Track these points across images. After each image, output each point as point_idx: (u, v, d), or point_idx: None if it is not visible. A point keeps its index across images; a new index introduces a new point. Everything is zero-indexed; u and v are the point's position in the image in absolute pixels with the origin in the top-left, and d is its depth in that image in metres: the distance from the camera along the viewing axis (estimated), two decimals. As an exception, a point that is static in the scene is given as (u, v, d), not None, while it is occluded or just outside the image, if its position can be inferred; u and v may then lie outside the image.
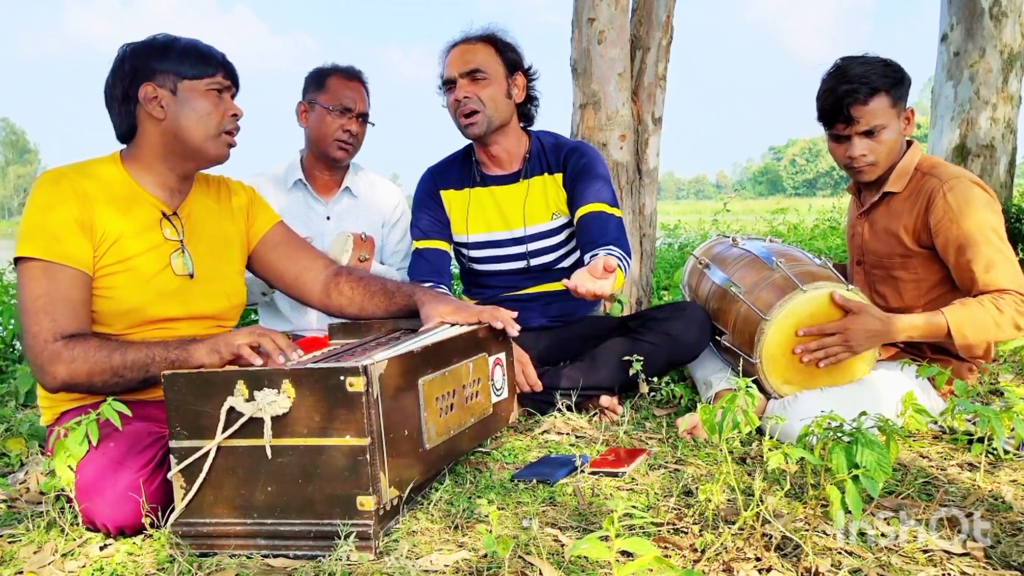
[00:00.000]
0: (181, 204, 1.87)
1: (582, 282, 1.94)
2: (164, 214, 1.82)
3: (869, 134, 2.20)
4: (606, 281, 1.92)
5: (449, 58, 2.47)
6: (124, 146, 1.85)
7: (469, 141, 2.58)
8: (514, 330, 1.93)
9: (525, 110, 2.55)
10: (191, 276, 1.84)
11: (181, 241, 1.84)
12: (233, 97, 1.86)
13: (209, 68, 1.79)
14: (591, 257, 2.20)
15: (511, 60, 2.48)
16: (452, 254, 2.61)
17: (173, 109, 1.77)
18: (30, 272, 1.67)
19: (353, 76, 2.63)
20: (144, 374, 1.63)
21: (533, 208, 2.51)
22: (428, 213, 2.58)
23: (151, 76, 1.76)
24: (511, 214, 2.53)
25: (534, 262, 2.54)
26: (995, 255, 2.11)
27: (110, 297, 1.73)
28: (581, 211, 2.41)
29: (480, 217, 2.55)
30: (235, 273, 1.97)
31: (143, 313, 1.77)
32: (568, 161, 2.50)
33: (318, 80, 2.61)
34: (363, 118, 2.61)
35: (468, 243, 2.56)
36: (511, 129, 2.51)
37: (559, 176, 2.51)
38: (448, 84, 2.46)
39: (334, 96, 2.56)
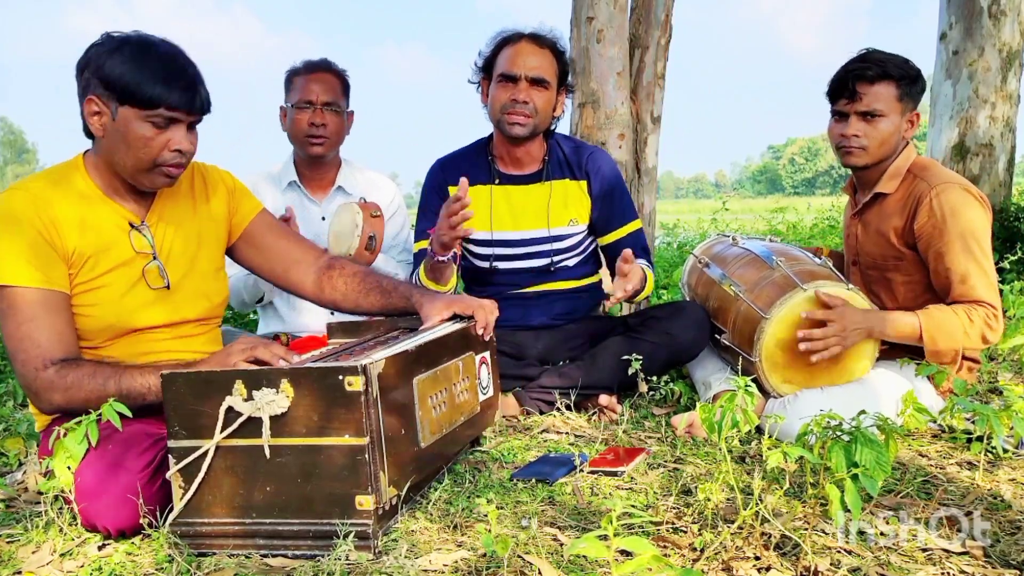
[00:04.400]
0: (149, 211, 1.80)
1: (616, 291, 2.20)
2: (132, 224, 1.76)
3: (867, 117, 2.22)
4: (634, 277, 2.23)
5: (515, 53, 2.42)
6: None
7: (484, 136, 2.59)
8: (487, 336, 1.94)
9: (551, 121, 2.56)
10: (167, 287, 1.79)
11: (153, 253, 1.78)
12: (192, 127, 1.71)
13: (156, 98, 1.62)
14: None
15: (564, 75, 2.50)
16: (459, 254, 2.60)
17: (110, 131, 1.66)
18: (8, 300, 1.61)
19: (314, 68, 2.60)
20: (142, 401, 1.59)
21: (555, 210, 2.53)
22: (436, 213, 2.55)
23: (98, 89, 1.64)
24: (531, 214, 2.53)
25: (557, 260, 2.54)
26: (972, 266, 2.11)
27: (88, 315, 1.70)
28: (612, 237, 2.56)
29: (502, 216, 2.54)
30: (214, 272, 1.91)
31: (122, 326, 1.74)
32: (589, 169, 2.53)
33: (287, 82, 2.63)
34: (329, 107, 2.56)
35: (492, 240, 2.54)
36: (540, 136, 2.53)
37: (584, 183, 2.54)
38: (507, 79, 2.42)
39: (295, 93, 2.58)
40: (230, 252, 2.00)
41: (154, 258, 1.78)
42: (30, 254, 1.62)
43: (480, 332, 1.90)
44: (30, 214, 1.64)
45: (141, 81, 1.62)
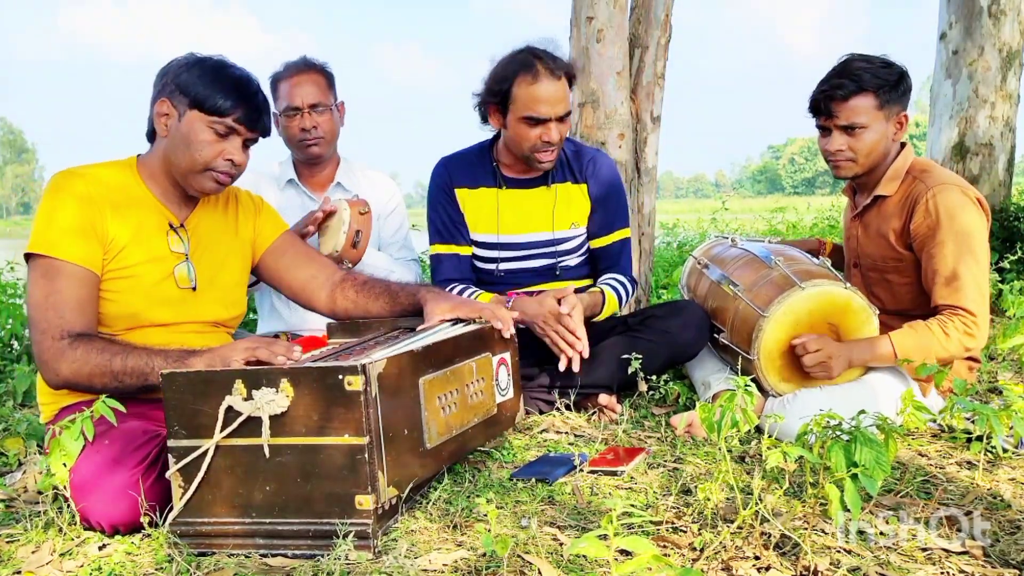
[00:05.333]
0: (189, 216, 1.90)
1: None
2: (171, 225, 1.85)
3: (848, 130, 2.21)
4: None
5: (540, 91, 2.31)
6: (147, 147, 1.89)
7: (486, 140, 2.59)
8: (507, 332, 1.95)
9: None
10: (194, 289, 1.86)
11: (186, 254, 1.86)
12: (248, 144, 1.84)
13: (224, 108, 1.77)
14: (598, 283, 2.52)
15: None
16: (471, 255, 2.60)
17: (174, 131, 1.79)
18: (40, 269, 1.70)
19: (295, 71, 2.54)
20: (143, 381, 1.64)
21: (560, 214, 2.53)
22: (447, 215, 2.54)
23: (171, 93, 1.79)
24: (537, 218, 2.53)
25: (561, 262, 2.55)
26: (960, 269, 2.10)
27: (112, 300, 1.76)
28: (602, 242, 2.57)
29: (508, 219, 2.53)
30: (236, 284, 1.99)
31: (142, 318, 1.80)
32: (588, 173, 2.54)
33: (272, 88, 2.59)
34: (316, 109, 2.52)
35: (499, 243, 2.54)
36: None
37: (584, 186, 2.55)
38: (537, 121, 2.34)
39: (282, 100, 2.54)
40: (254, 271, 2.08)
41: (186, 258, 1.86)
42: (71, 230, 1.71)
43: (500, 328, 1.93)
44: (80, 193, 1.74)
45: (215, 91, 1.77)
